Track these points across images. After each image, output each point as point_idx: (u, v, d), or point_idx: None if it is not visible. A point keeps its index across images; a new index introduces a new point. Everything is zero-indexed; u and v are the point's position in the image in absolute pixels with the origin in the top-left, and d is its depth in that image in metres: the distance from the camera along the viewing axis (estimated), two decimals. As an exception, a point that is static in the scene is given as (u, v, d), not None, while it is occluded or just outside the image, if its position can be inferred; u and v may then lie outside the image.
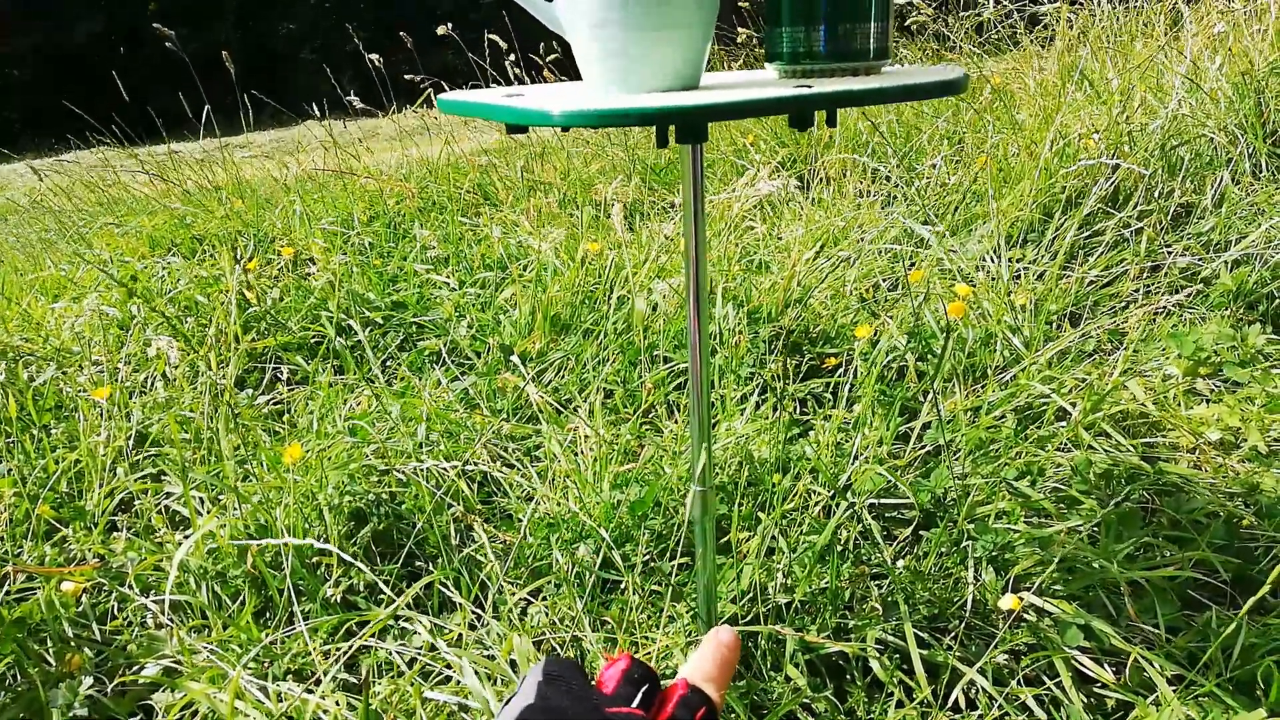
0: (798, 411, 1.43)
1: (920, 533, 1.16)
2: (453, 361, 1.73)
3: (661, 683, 0.47)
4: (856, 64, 0.72)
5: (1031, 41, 2.62)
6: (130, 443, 1.45)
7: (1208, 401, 1.39)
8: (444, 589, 1.13)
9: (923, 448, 1.26)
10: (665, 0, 0.66)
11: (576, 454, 1.33)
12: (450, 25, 2.50)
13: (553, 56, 2.69)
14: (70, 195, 3.70)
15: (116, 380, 1.66)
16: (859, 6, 0.70)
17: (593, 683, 0.44)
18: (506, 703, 0.40)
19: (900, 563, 1.11)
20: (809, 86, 0.66)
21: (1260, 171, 1.78)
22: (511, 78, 2.89)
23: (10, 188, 5.50)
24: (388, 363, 1.80)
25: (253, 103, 3.49)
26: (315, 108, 3.44)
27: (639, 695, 0.44)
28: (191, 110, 3.31)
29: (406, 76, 2.95)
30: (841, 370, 1.48)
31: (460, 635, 1.04)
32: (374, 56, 2.81)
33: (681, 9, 0.67)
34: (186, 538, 1.27)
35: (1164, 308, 1.52)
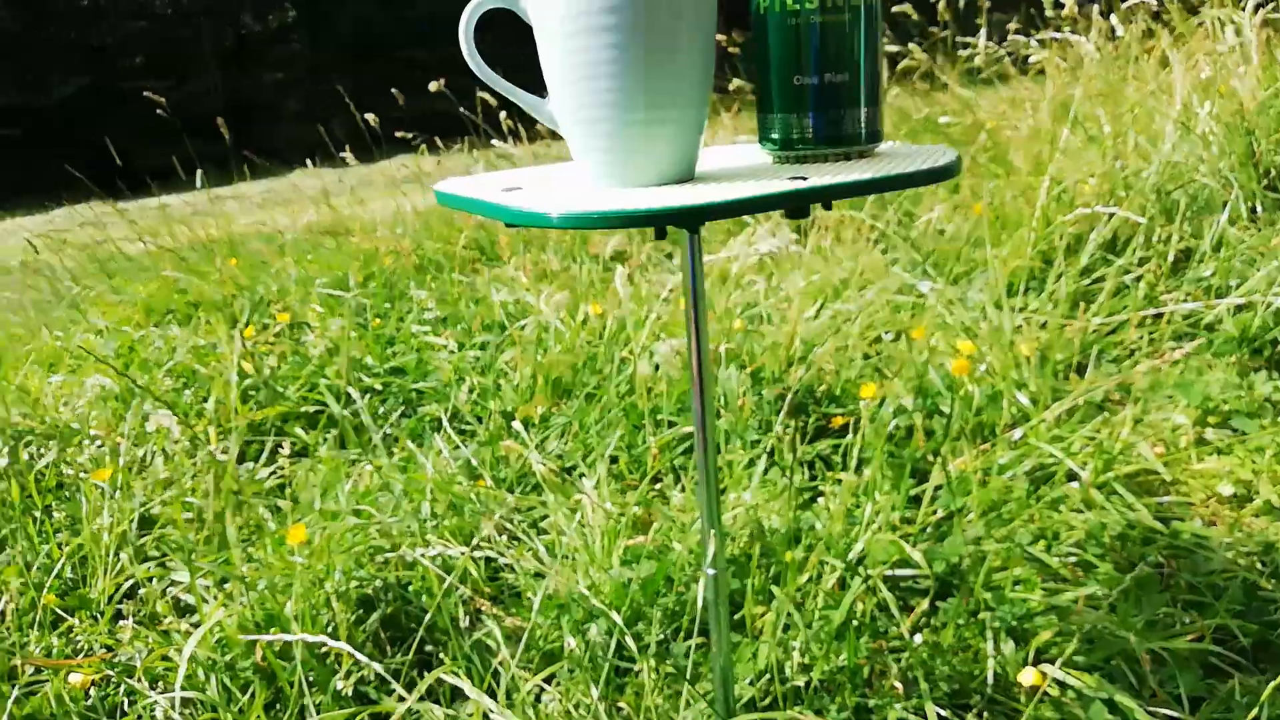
0: (806, 475, 1.42)
1: (937, 603, 1.15)
2: (454, 428, 1.72)
3: None
4: (849, 149, 0.73)
5: (1022, 78, 2.64)
6: (134, 526, 1.43)
7: (1218, 452, 1.38)
8: (455, 676, 1.11)
9: (935, 513, 1.25)
10: (659, 95, 0.66)
11: (584, 526, 1.32)
12: (443, 81, 2.51)
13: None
14: (62, 255, 3.69)
15: (116, 457, 1.64)
16: (849, 93, 0.71)
17: None
18: None
19: (918, 636, 1.09)
20: (804, 177, 0.66)
21: (1256, 213, 1.79)
22: (505, 131, 2.90)
23: (2, 246, 5.50)
24: (387, 430, 1.79)
25: (241, 154, 3.50)
26: (309, 161, 3.46)
27: None
28: (178, 160, 3.31)
29: (398, 134, 2.97)
30: (848, 431, 1.47)
31: (475, 729, 1.02)
32: (370, 116, 2.82)
33: (676, 104, 0.67)
34: (194, 627, 1.25)
35: (1169, 357, 1.52)
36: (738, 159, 0.82)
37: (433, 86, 2.52)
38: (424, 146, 3.12)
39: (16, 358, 2.34)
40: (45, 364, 2.25)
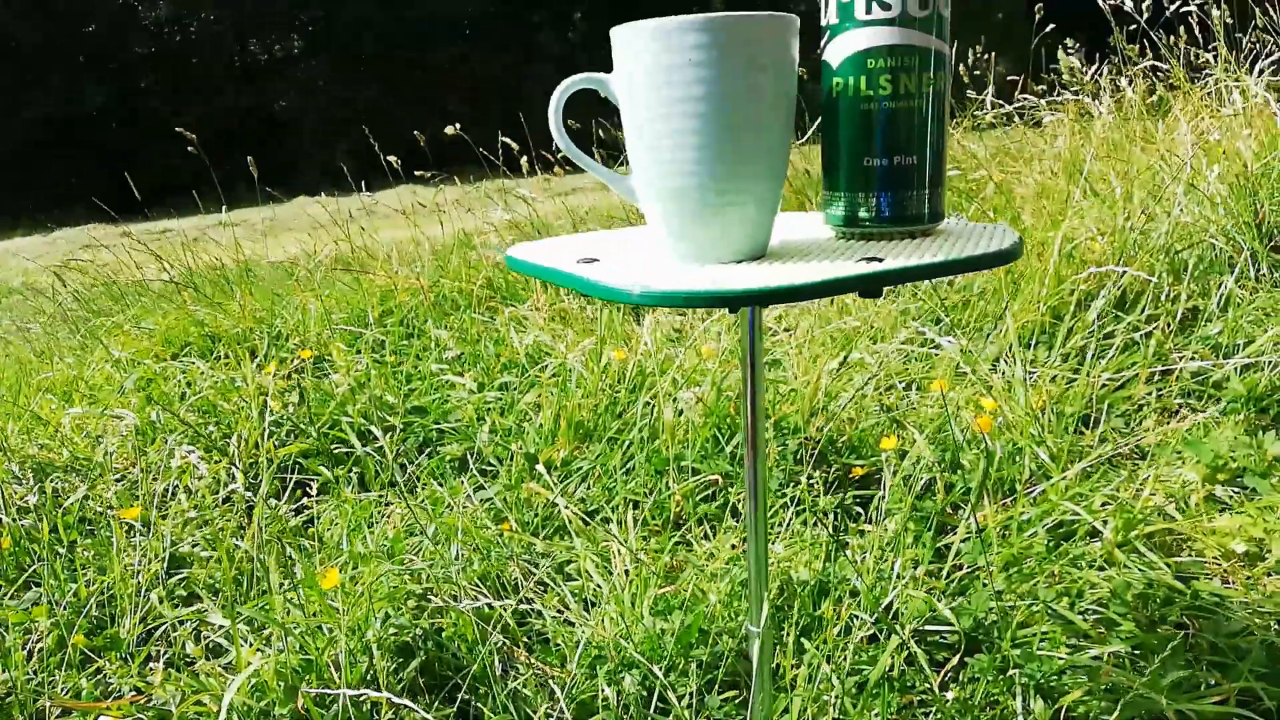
0: (830, 525, 1.45)
1: (965, 659, 1.17)
2: (476, 468, 1.74)
3: None
4: (913, 228, 0.76)
5: (1028, 134, 2.70)
6: (165, 566, 1.44)
7: (1228, 510, 1.41)
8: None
9: (958, 567, 1.28)
10: (740, 176, 0.69)
11: (611, 572, 1.34)
12: (458, 126, 2.55)
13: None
14: (69, 281, 3.69)
15: (139, 492, 1.65)
16: (917, 175, 0.74)
17: None
18: None
19: (949, 692, 1.12)
20: (879, 259, 0.69)
21: (1261, 274, 1.84)
22: (524, 172, 2.95)
23: (3, 268, 5.49)
24: (407, 467, 1.81)
25: (246, 178, 3.51)
26: (320, 190, 3.48)
27: None
28: (182, 180, 3.31)
29: (418, 172, 3.00)
30: (868, 481, 1.50)
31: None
32: (391, 158, 2.86)
33: (755, 183, 0.70)
34: (225, 669, 1.26)
35: (1178, 412, 1.56)
36: (796, 231, 0.85)
37: (449, 130, 2.56)
38: (441, 184, 3.16)
39: (30, 387, 2.34)
40: (60, 393, 2.26)
